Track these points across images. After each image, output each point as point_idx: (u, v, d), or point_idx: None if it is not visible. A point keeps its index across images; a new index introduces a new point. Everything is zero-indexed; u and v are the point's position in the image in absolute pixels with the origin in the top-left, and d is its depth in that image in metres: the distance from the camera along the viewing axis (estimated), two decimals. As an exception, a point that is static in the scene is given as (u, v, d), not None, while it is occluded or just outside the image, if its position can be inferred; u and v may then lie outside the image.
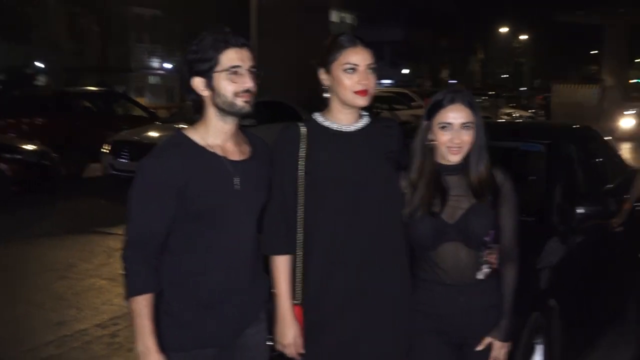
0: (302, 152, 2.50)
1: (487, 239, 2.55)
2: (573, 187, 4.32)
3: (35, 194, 10.86)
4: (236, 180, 2.34)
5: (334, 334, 2.49)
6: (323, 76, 2.53)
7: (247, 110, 2.33)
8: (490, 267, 2.59)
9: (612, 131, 21.13)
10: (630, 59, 46.95)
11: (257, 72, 2.33)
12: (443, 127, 2.51)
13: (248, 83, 2.29)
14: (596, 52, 53.41)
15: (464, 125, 2.51)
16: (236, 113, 2.32)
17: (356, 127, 2.55)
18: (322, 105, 2.59)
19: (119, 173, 11.88)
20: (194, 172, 2.26)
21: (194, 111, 2.38)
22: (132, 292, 2.21)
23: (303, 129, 2.53)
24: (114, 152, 11.85)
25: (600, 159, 5.34)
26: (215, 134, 2.34)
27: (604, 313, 4.71)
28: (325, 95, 2.55)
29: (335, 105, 2.54)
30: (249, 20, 19.12)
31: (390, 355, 2.55)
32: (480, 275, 2.57)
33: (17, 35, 28.85)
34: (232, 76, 2.27)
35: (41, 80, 32.23)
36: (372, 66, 2.49)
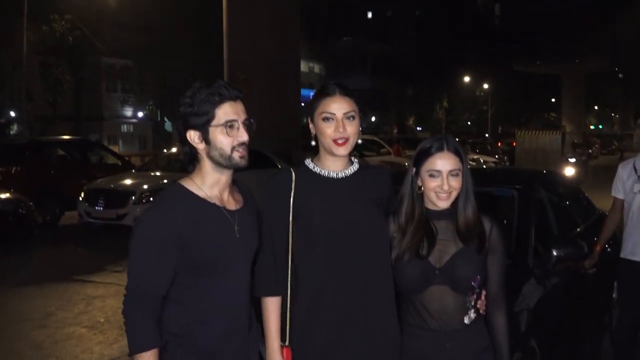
0: (292, 198, 2.47)
1: (473, 283, 2.51)
2: (546, 230, 4.40)
3: (11, 243, 10.69)
4: (236, 229, 2.32)
5: None
6: (310, 125, 2.52)
7: (244, 164, 2.28)
8: (476, 312, 2.55)
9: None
10: (587, 107, 48.14)
11: (250, 123, 2.31)
12: (431, 175, 2.50)
13: (244, 136, 2.26)
14: (554, 100, 54.75)
15: (452, 173, 2.49)
16: (232, 166, 2.29)
17: (345, 174, 2.52)
18: (298, 152, 2.58)
19: (94, 221, 11.81)
20: (196, 224, 2.22)
21: (188, 162, 2.34)
22: (137, 348, 2.16)
23: (293, 174, 2.51)
24: (89, 200, 11.78)
25: (569, 203, 5.46)
26: (211, 185, 2.31)
27: (581, 350, 4.75)
28: (312, 143, 2.54)
29: (322, 152, 2.52)
30: (222, 71, 19.27)
31: None
32: (466, 320, 2.52)
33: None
34: (228, 130, 2.24)
35: (15, 129, 31.96)
36: (351, 114, 2.45)
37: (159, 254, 2.17)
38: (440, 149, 2.50)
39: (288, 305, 2.50)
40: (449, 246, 2.53)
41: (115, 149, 24.13)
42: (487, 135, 52.18)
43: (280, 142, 16.38)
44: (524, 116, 56.64)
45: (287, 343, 2.50)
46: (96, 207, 11.62)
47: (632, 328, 4.49)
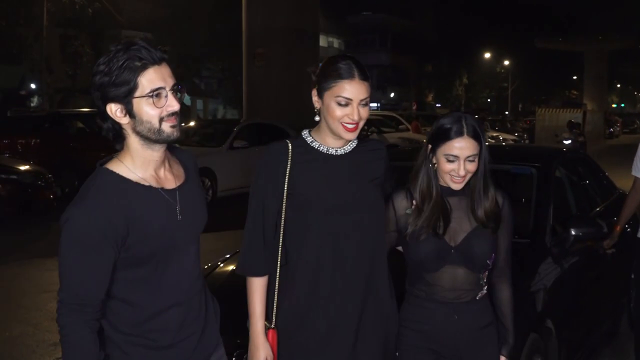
0: (287, 171, 2.38)
1: (488, 261, 2.50)
2: (565, 209, 4.35)
3: (30, 215, 10.79)
4: (178, 210, 2.07)
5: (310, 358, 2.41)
6: (315, 98, 2.39)
7: (176, 137, 2.01)
8: (486, 288, 2.57)
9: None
10: (609, 85, 47.49)
11: (180, 88, 2.02)
12: (448, 160, 2.43)
13: (174, 105, 1.98)
14: (576, 77, 54.08)
15: (469, 158, 2.42)
16: (164, 140, 2.00)
17: (344, 151, 2.43)
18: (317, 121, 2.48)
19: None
20: (132, 212, 1.94)
21: (113, 140, 2.03)
22: None
23: (289, 146, 2.40)
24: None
25: (589, 182, 5.39)
26: (143, 165, 2.02)
27: (598, 332, 4.71)
28: (316, 118, 2.43)
29: (323, 129, 2.41)
30: (241, 44, 19.22)
31: None
32: (478, 296, 2.54)
33: (11, 56, 28.79)
34: (155, 100, 1.94)
35: (35, 101, 32.16)
36: (366, 100, 2.34)
37: (93, 255, 1.90)
38: (459, 134, 2.41)
39: (277, 285, 2.42)
40: (463, 223, 2.51)
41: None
42: (507, 112, 51.75)
43: (297, 116, 16.34)
44: (544, 94, 56.06)
45: (273, 325, 2.42)
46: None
47: None
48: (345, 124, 2.32)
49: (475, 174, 2.47)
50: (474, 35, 48.48)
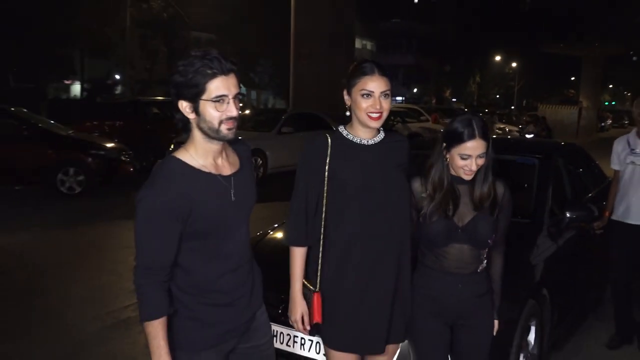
0: (327, 159, 2.40)
1: (489, 241, 2.51)
2: (562, 195, 4.28)
3: (114, 184, 10.98)
4: (232, 193, 2.09)
5: (348, 315, 2.41)
6: (345, 97, 2.42)
7: (231, 137, 2.03)
8: (485, 262, 2.57)
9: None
10: (603, 85, 46.22)
11: (242, 97, 2.06)
12: (462, 158, 2.44)
13: (233, 111, 1.98)
14: (574, 78, 52.75)
15: (480, 155, 2.43)
16: (220, 139, 2.03)
17: (374, 142, 2.44)
18: (348, 116, 2.50)
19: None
20: (194, 195, 1.97)
21: (182, 129, 2.06)
22: (147, 317, 1.95)
23: (329, 139, 2.43)
24: (176, 151, 11.94)
25: (583, 171, 5.28)
26: (204, 154, 2.04)
27: (586, 299, 4.66)
28: (347, 113, 2.45)
29: (355, 123, 2.43)
30: (289, 44, 19.18)
31: (395, 324, 2.46)
32: (479, 269, 2.54)
33: (100, 52, 29.18)
34: (218, 104, 1.96)
35: (119, 90, 32.59)
36: (387, 92, 2.35)
37: (163, 228, 1.93)
38: (472, 136, 2.40)
39: (320, 256, 2.43)
40: (468, 207, 2.51)
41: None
42: (512, 107, 50.80)
43: (334, 108, 16.30)
44: (546, 92, 54.80)
45: (317, 289, 2.43)
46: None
47: (626, 281, 4.37)
48: (369, 114, 2.34)
49: (480, 168, 2.48)
50: (487, 40, 47.53)
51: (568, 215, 3.91)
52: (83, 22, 24.59)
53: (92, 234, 7.82)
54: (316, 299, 2.43)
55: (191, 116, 1.99)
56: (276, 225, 4.07)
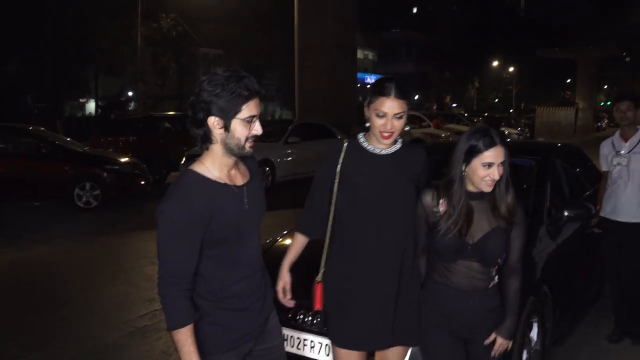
0: (341, 163, 2.47)
1: (499, 260, 2.39)
2: (559, 195, 4.26)
3: (129, 196, 11.03)
4: (245, 201, 2.12)
5: (351, 312, 2.45)
6: (366, 109, 2.44)
7: (249, 153, 2.10)
8: (497, 278, 2.46)
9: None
10: (597, 86, 46.01)
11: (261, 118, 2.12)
12: (485, 166, 2.29)
13: (259, 130, 2.04)
14: (570, 81, 52.58)
15: (502, 163, 2.30)
16: (243, 154, 2.09)
17: (387, 152, 2.46)
18: (355, 126, 2.54)
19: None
20: (212, 205, 1.99)
21: (202, 143, 2.05)
22: (176, 325, 1.96)
23: (345, 145, 2.50)
24: (189, 163, 11.93)
25: (580, 170, 5.26)
26: (221, 167, 2.07)
27: (586, 296, 4.63)
28: (367, 125, 2.47)
29: (371, 133, 2.46)
30: (294, 58, 19.24)
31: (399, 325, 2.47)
32: (490, 285, 2.43)
33: (113, 70, 29.38)
34: (248, 123, 2.01)
35: (132, 106, 32.78)
36: (401, 115, 2.36)
37: (184, 239, 1.96)
38: (493, 144, 2.29)
39: (325, 251, 2.53)
40: (482, 224, 2.37)
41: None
42: (511, 110, 50.66)
43: (339, 117, 16.31)
44: (543, 94, 54.64)
45: (320, 280, 2.52)
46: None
47: (618, 272, 4.36)
48: (381, 132, 2.38)
49: (500, 177, 2.34)
50: (485, 47, 47.46)
51: (566, 213, 3.91)
52: (97, 42, 24.79)
53: (109, 245, 7.84)
54: (317, 288, 2.53)
55: (218, 132, 2.01)
56: (285, 232, 4.07)
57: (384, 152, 2.47)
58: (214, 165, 2.07)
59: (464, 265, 2.39)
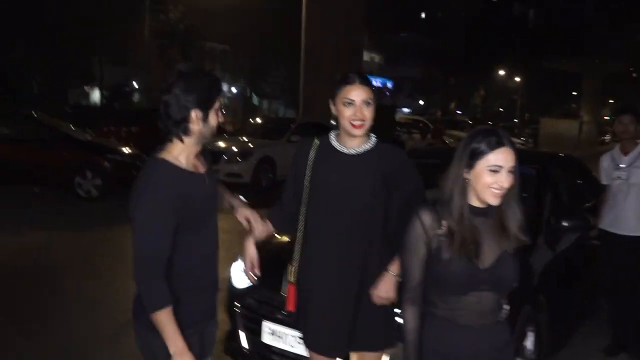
0: (309, 161, 2.48)
1: (515, 284, 2.03)
2: (559, 204, 4.26)
3: (130, 188, 10.96)
4: (208, 187, 2.26)
5: (314, 313, 2.46)
6: (332, 107, 2.43)
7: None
8: (507, 309, 2.09)
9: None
10: (602, 100, 45.97)
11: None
12: (492, 170, 1.90)
13: (222, 118, 2.26)
14: (575, 93, 52.56)
15: (511, 169, 1.91)
16: (208, 139, 2.25)
17: (356, 151, 2.43)
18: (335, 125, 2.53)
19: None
20: (184, 189, 2.11)
21: (179, 137, 2.16)
22: (159, 307, 2.04)
23: (316, 143, 2.50)
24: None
25: (581, 181, 5.27)
26: (188, 155, 2.20)
27: (583, 306, 4.63)
28: (332, 122, 2.47)
29: (341, 131, 2.45)
30: (299, 56, 19.26)
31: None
32: (500, 317, 2.07)
33: (119, 59, 29.37)
34: (219, 113, 2.22)
35: (136, 97, 32.75)
36: (368, 101, 2.35)
37: (162, 223, 2.06)
38: (500, 144, 1.91)
39: (296, 245, 2.52)
40: (490, 245, 1.98)
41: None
42: (515, 120, 50.65)
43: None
44: (548, 106, 54.62)
45: (293, 281, 2.52)
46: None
47: (615, 285, 4.37)
48: (352, 122, 2.36)
49: (509, 188, 1.94)
50: (491, 55, 47.46)
51: (564, 224, 3.90)
52: (104, 31, 24.78)
53: (107, 236, 7.85)
54: (290, 289, 2.53)
55: (196, 124, 2.15)
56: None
57: (352, 151, 2.44)
58: (182, 154, 2.19)
59: (475, 297, 1.98)
